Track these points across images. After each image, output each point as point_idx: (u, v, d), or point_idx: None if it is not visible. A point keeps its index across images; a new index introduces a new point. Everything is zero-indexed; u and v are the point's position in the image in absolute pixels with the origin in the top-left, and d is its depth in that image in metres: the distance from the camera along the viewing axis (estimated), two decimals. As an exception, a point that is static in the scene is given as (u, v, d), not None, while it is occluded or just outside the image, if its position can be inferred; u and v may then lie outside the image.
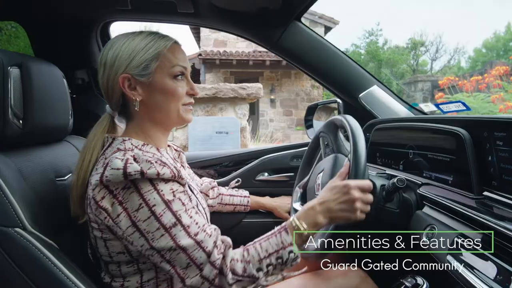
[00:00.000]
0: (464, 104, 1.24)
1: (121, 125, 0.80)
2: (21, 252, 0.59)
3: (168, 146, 0.91)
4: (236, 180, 1.26)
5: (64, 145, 0.94)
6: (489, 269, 0.59)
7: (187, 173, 0.96)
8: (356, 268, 0.91)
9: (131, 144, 0.72)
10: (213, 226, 0.69)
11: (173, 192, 0.64)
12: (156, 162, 0.63)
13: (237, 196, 1.19)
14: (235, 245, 0.77)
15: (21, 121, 0.74)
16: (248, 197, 1.20)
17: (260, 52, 8.86)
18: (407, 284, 0.60)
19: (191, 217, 0.64)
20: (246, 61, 9.08)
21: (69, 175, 0.88)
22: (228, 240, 0.68)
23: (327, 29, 10.22)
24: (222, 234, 0.70)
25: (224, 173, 1.46)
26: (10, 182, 0.64)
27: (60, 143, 0.93)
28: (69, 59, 1.12)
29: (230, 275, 0.64)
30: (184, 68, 0.76)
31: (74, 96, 0.97)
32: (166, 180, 0.64)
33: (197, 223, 0.64)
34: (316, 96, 9.89)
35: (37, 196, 0.70)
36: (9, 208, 0.61)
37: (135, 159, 0.63)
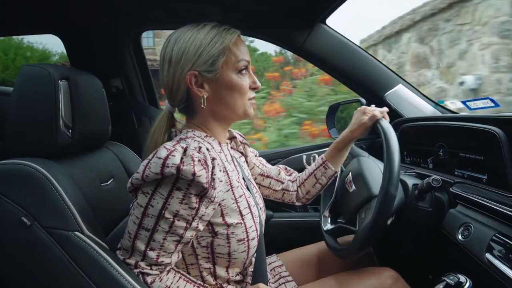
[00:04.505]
0: (492, 100, 1.22)
1: (180, 120, 0.79)
2: (81, 253, 0.64)
3: (234, 137, 0.91)
4: (312, 156, 1.04)
5: (104, 152, 0.98)
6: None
7: (251, 168, 0.94)
8: (388, 268, 0.92)
9: (194, 134, 0.73)
10: (173, 261, 0.67)
11: (177, 210, 0.62)
12: (199, 161, 0.62)
13: (317, 170, 0.97)
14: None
15: (70, 131, 0.79)
16: (325, 161, 0.96)
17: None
18: (449, 281, 0.61)
19: (164, 238, 0.64)
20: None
21: (111, 179, 0.93)
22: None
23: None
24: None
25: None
26: (67, 189, 0.68)
27: (101, 150, 0.98)
28: (104, 68, 1.17)
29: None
30: (247, 62, 0.73)
31: (110, 103, 1.01)
32: (188, 188, 0.62)
33: (162, 245, 0.64)
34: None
35: (87, 201, 0.75)
36: (68, 214, 0.66)
37: (184, 151, 0.62)
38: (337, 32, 1.23)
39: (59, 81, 0.76)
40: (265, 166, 1.02)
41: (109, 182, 0.92)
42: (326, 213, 1.08)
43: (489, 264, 0.67)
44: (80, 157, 0.87)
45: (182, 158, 0.61)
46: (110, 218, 0.88)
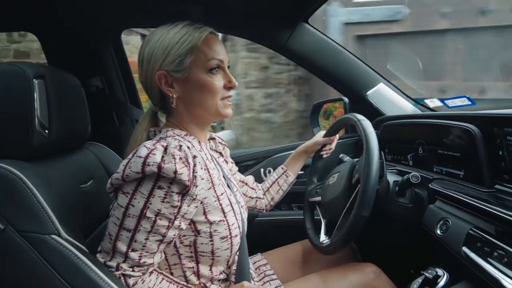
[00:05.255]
0: (469, 99, 1.26)
1: (163, 119, 0.80)
2: (59, 257, 0.62)
3: (213, 139, 0.91)
4: (268, 170, 1.19)
5: (84, 152, 0.96)
6: (502, 257, 0.62)
7: (229, 168, 0.95)
8: (370, 264, 0.94)
9: (173, 133, 0.73)
10: (155, 261, 0.66)
11: (159, 209, 0.62)
12: (181, 159, 0.61)
13: (280, 178, 1.08)
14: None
15: (46, 131, 0.76)
16: (286, 170, 1.08)
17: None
18: (428, 275, 0.63)
19: (146, 238, 0.63)
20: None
21: (91, 181, 0.91)
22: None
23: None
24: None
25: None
26: (43, 191, 0.66)
27: (80, 150, 0.95)
28: (83, 67, 1.14)
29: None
30: (220, 61, 0.72)
31: (90, 103, 0.98)
32: (169, 186, 0.61)
33: (144, 246, 0.63)
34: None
35: (65, 203, 0.73)
36: (44, 216, 0.63)
37: (165, 149, 0.62)
38: (319, 31, 1.25)
39: (34, 79, 0.73)
40: (241, 175, 1.06)
41: (88, 184, 0.89)
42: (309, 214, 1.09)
43: (465, 257, 0.69)
44: (58, 158, 0.84)
45: (163, 157, 0.61)
46: (89, 221, 0.85)
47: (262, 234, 1.35)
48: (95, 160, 0.98)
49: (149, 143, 0.63)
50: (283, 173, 1.08)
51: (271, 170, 1.14)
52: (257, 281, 0.92)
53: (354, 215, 0.74)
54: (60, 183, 0.78)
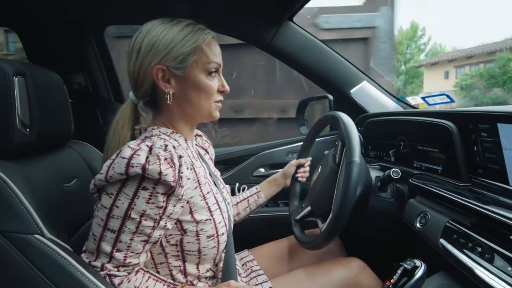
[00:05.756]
0: (448, 96, 1.31)
1: (144, 114, 0.78)
2: (42, 258, 0.61)
3: (200, 136, 0.91)
4: (242, 187, 1.21)
5: (67, 151, 0.94)
6: (476, 248, 0.65)
7: (212, 167, 0.94)
8: (355, 258, 0.96)
9: (159, 131, 0.72)
10: (141, 261, 0.66)
11: (144, 210, 0.61)
12: (166, 159, 0.61)
13: (251, 197, 1.09)
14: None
15: (28, 129, 0.75)
16: (259, 191, 1.09)
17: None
18: (407, 266, 0.65)
19: (131, 239, 0.63)
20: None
21: (75, 180, 0.90)
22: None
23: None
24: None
25: (222, 171, 1.49)
26: (25, 190, 0.65)
27: (63, 149, 0.94)
28: (65, 63, 1.12)
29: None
30: (218, 65, 0.73)
31: (73, 100, 0.97)
32: (154, 187, 0.61)
33: (129, 246, 0.63)
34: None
35: (48, 203, 0.72)
36: (27, 216, 0.62)
37: (150, 149, 0.61)
38: (304, 30, 1.26)
39: (14, 77, 0.72)
40: None
41: (72, 183, 0.88)
42: (295, 208, 1.11)
43: (443, 248, 0.72)
44: (40, 157, 0.83)
45: (147, 157, 0.60)
46: (73, 220, 0.84)
47: (248, 230, 1.36)
48: (79, 158, 0.97)
49: (133, 143, 0.63)
50: (255, 193, 1.08)
51: (246, 187, 1.16)
52: (244, 277, 0.93)
53: (336, 210, 0.76)
54: (43, 182, 0.77)
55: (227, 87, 0.76)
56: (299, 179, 1.12)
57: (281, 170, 1.14)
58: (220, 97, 0.76)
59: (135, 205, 0.61)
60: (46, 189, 0.76)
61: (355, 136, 0.81)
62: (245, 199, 1.08)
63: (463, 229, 0.70)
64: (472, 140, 0.80)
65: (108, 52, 1.31)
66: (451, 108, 0.92)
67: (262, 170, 1.47)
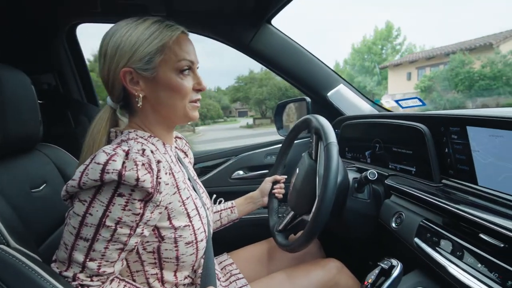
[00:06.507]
0: (420, 99, 1.36)
1: (123, 118, 0.75)
2: (8, 269, 0.57)
3: (180, 138, 0.88)
4: (219, 200, 1.19)
5: (35, 154, 0.89)
6: (448, 245, 0.68)
7: (192, 171, 0.92)
8: (333, 259, 0.97)
9: (136, 135, 0.69)
10: (116, 270, 0.63)
11: (120, 217, 0.59)
12: (143, 165, 0.58)
13: (224, 211, 1.06)
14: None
15: None
16: (234, 206, 1.07)
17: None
18: (384, 266, 0.67)
19: (106, 248, 0.60)
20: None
21: (44, 185, 0.85)
22: None
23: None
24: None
25: (200, 173, 1.47)
26: None
27: (32, 153, 0.89)
28: (33, 63, 1.06)
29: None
30: (191, 62, 0.69)
31: (41, 102, 0.92)
32: (131, 193, 0.58)
33: (103, 255, 0.60)
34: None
35: (15, 210, 0.67)
36: None
37: (126, 154, 0.59)
38: (282, 33, 1.27)
39: None
40: None
41: (41, 188, 0.83)
42: (274, 215, 1.11)
43: (417, 247, 0.74)
44: (6, 160, 0.78)
45: (124, 163, 0.57)
46: (42, 228, 0.80)
47: (227, 233, 1.34)
48: (49, 162, 0.92)
49: (108, 148, 0.59)
50: (229, 208, 1.06)
51: (223, 200, 1.14)
52: (223, 282, 0.92)
53: (315, 213, 0.76)
54: (9, 188, 0.72)
55: (203, 85, 0.72)
56: (276, 195, 1.12)
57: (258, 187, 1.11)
58: (196, 96, 0.72)
59: (110, 212, 0.58)
60: (12, 195, 0.71)
61: (327, 123, 0.85)
62: (218, 211, 1.05)
63: (436, 228, 0.73)
64: (443, 143, 0.84)
65: (81, 51, 1.26)
66: (425, 112, 0.96)
67: (241, 172, 1.47)
